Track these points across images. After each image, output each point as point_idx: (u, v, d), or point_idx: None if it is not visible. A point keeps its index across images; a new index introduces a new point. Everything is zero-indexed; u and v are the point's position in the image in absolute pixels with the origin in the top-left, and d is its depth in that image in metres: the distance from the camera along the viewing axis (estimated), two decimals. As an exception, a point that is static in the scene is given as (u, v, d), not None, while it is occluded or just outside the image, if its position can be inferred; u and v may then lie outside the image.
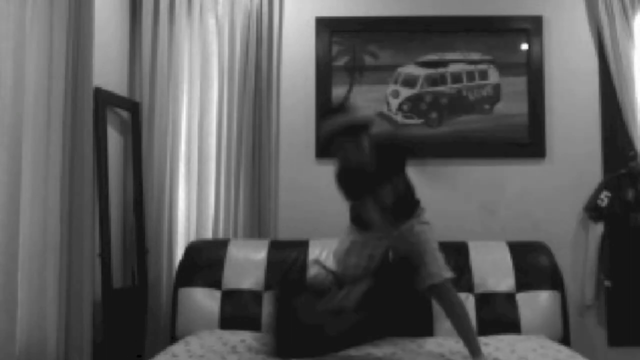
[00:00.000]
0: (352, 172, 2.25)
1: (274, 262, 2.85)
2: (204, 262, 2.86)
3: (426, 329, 2.68)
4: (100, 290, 2.77)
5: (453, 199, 3.20)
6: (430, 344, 2.48)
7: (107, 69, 3.00)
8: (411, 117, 3.24)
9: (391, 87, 3.25)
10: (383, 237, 2.32)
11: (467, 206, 3.21)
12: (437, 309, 2.71)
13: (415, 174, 2.37)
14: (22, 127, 2.17)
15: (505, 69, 3.24)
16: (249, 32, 3.20)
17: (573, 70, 3.25)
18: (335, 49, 3.28)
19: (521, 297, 2.76)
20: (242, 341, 2.47)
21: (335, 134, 2.18)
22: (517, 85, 3.23)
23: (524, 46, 3.24)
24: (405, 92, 3.24)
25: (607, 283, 3.10)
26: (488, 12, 3.27)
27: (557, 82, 3.24)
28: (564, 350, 2.36)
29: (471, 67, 3.24)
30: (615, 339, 3.13)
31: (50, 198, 2.32)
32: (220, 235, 3.14)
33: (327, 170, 3.22)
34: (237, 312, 2.76)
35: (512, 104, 3.22)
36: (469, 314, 2.35)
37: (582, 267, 3.14)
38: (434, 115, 3.24)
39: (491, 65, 3.24)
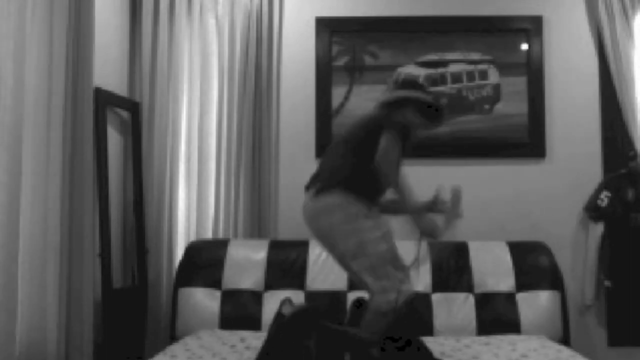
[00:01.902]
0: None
1: (274, 262, 2.85)
2: (204, 262, 2.87)
3: (426, 328, 2.68)
4: (100, 290, 2.77)
5: (453, 199, 3.21)
6: (431, 344, 2.47)
7: (107, 69, 3.00)
8: (411, 117, 3.23)
9: (391, 87, 3.25)
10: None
11: (467, 206, 3.20)
12: (437, 308, 2.73)
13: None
14: (22, 127, 2.17)
15: (505, 69, 3.24)
16: (249, 32, 3.20)
17: (573, 70, 3.25)
18: (335, 49, 3.28)
19: (521, 297, 2.76)
20: (242, 341, 2.48)
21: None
22: (517, 85, 3.23)
23: (524, 46, 3.25)
24: (405, 92, 3.24)
25: (607, 283, 3.11)
26: (488, 12, 3.27)
27: (557, 82, 3.25)
28: (564, 350, 2.36)
29: (471, 67, 3.24)
30: (615, 339, 3.13)
31: (50, 198, 2.32)
32: (220, 235, 3.14)
33: (327, 170, 3.25)
34: (237, 312, 2.76)
35: (512, 104, 3.23)
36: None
37: (582, 267, 3.14)
38: (434, 115, 3.24)
39: (491, 65, 3.24)
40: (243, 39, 3.20)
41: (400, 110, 2.17)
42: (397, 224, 2.20)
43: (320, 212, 2.07)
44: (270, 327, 2.16)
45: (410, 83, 2.34)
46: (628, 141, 3.13)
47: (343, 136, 2.26)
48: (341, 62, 3.28)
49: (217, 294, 2.81)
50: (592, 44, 3.26)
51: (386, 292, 1.98)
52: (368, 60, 3.27)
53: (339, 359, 2.00)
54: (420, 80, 3.23)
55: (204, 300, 2.79)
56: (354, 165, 2.08)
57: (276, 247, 2.91)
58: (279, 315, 2.16)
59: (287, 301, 2.20)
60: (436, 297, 2.77)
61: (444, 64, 3.25)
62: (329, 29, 3.28)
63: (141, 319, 3.04)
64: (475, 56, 3.25)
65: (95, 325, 2.66)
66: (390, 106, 2.21)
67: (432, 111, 2.22)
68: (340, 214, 2.01)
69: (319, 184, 2.10)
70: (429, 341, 2.50)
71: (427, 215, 2.15)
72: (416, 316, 2.68)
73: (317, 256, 2.86)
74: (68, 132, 2.42)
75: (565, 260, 3.06)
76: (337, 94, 3.26)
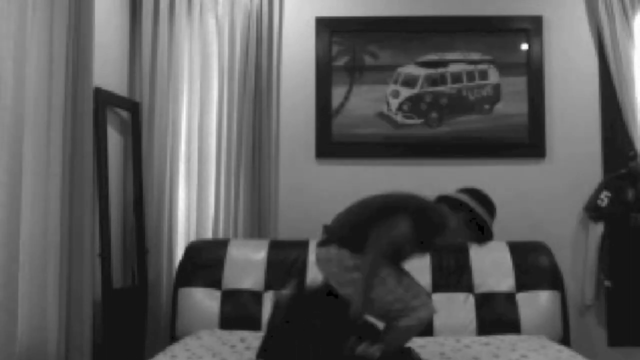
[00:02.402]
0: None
1: (274, 262, 2.85)
2: (204, 262, 2.86)
3: (426, 328, 2.67)
4: (100, 290, 2.77)
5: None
6: (431, 344, 2.47)
7: (107, 69, 3.00)
8: (411, 117, 3.24)
9: (391, 87, 3.25)
10: None
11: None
12: (437, 307, 2.72)
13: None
14: (22, 127, 2.17)
15: (505, 69, 3.24)
16: (249, 32, 3.20)
17: (573, 70, 3.25)
18: (335, 49, 3.28)
19: (521, 297, 2.76)
20: (242, 341, 2.48)
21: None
22: (517, 85, 3.23)
23: (524, 46, 3.25)
24: (405, 92, 3.24)
25: (607, 283, 3.11)
26: (488, 12, 3.27)
27: (557, 82, 3.25)
28: (565, 350, 2.36)
29: (471, 67, 3.25)
30: (615, 339, 3.13)
31: (50, 198, 2.32)
32: (220, 235, 3.14)
33: (327, 170, 3.26)
34: (237, 312, 2.76)
35: (512, 104, 3.23)
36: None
37: (582, 267, 3.14)
38: (434, 115, 3.24)
39: (491, 65, 3.24)
40: (243, 39, 3.20)
41: (454, 214, 2.05)
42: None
43: (320, 262, 2.12)
44: (268, 323, 2.16)
45: (479, 196, 2.10)
46: (628, 141, 3.13)
47: (380, 200, 2.11)
48: (341, 62, 3.28)
49: (217, 294, 2.81)
50: (592, 44, 3.26)
51: (415, 311, 1.98)
52: (368, 60, 3.27)
53: (343, 339, 2.00)
54: (420, 81, 3.23)
55: (204, 300, 2.79)
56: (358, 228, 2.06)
57: (276, 247, 2.91)
58: (275, 310, 2.16)
59: (278, 294, 2.21)
60: (436, 297, 2.77)
61: (444, 64, 3.25)
62: (329, 29, 3.28)
63: (141, 319, 3.04)
64: (475, 56, 3.25)
65: (95, 325, 2.66)
66: (446, 201, 2.09)
67: (479, 232, 2.07)
68: (335, 267, 2.05)
69: (325, 235, 2.12)
70: (429, 341, 2.50)
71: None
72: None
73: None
74: (68, 132, 2.42)
75: (565, 260, 3.06)
76: (337, 94, 3.26)
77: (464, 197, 2.09)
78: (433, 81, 3.25)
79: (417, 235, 2.00)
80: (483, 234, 2.08)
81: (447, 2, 3.30)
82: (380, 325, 2.09)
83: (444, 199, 2.11)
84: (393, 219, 1.99)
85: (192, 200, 3.20)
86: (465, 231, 2.08)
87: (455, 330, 2.68)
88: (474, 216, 2.05)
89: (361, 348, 1.97)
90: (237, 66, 3.18)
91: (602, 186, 3.13)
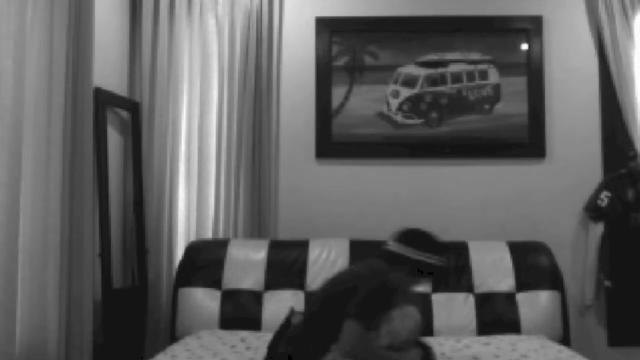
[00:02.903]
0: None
1: (274, 262, 2.85)
2: (204, 262, 2.87)
3: (426, 329, 2.67)
4: (100, 290, 2.77)
5: (453, 199, 3.21)
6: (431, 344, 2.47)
7: (107, 69, 3.00)
8: (411, 117, 3.24)
9: (391, 87, 3.25)
10: None
11: (467, 206, 3.21)
12: (437, 308, 2.72)
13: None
14: (22, 127, 2.17)
15: (505, 69, 3.24)
16: (249, 32, 3.20)
17: (573, 70, 3.25)
18: (335, 49, 3.28)
19: (521, 297, 2.76)
20: (243, 341, 2.48)
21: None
22: (517, 85, 3.23)
23: (524, 46, 3.25)
24: (405, 92, 3.24)
25: (607, 283, 3.11)
26: (488, 12, 3.27)
27: (557, 82, 3.25)
28: (565, 350, 2.36)
29: (471, 67, 3.24)
30: (615, 339, 3.13)
31: (50, 198, 2.32)
32: (220, 235, 3.14)
33: (327, 170, 3.26)
34: (237, 312, 2.76)
35: (512, 104, 3.23)
36: None
37: (582, 267, 3.14)
38: (434, 115, 3.24)
39: (491, 65, 3.24)
40: (243, 39, 3.20)
41: (396, 270, 2.01)
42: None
43: None
44: (276, 333, 2.12)
45: (417, 239, 2.05)
46: (628, 141, 3.13)
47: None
48: (341, 62, 3.28)
49: (217, 294, 2.81)
50: (592, 44, 3.26)
51: None
52: (368, 60, 3.27)
53: None
54: (420, 81, 3.23)
55: (204, 300, 2.79)
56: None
57: (276, 247, 2.91)
58: (286, 323, 2.12)
59: (295, 313, 2.16)
60: (436, 297, 2.77)
61: (444, 64, 3.25)
62: (329, 29, 3.28)
63: (141, 319, 3.04)
64: (475, 56, 3.25)
65: (95, 325, 2.66)
66: (385, 257, 2.05)
67: (430, 275, 2.08)
68: None
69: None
70: (429, 341, 2.50)
71: None
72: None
73: (317, 256, 2.86)
74: (68, 132, 2.42)
75: (565, 260, 3.06)
76: (337, 94, 3.26)
77: (399, 249, 2.03)
78: (433, 81, 3.25)
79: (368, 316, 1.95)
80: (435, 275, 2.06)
81: (447, 2, 3.30)
82: None
83: (383, 255, 2.06)
84: (341, 333, 1.92)
85: (192, 200, 3.20)
86: (413, 280, 2.07)
87: (455, 330, 2.68)
88: (418, 264, 2.00)
89: None
90: (237, 66, 3.18)
91: (602, 186, 3.13)
